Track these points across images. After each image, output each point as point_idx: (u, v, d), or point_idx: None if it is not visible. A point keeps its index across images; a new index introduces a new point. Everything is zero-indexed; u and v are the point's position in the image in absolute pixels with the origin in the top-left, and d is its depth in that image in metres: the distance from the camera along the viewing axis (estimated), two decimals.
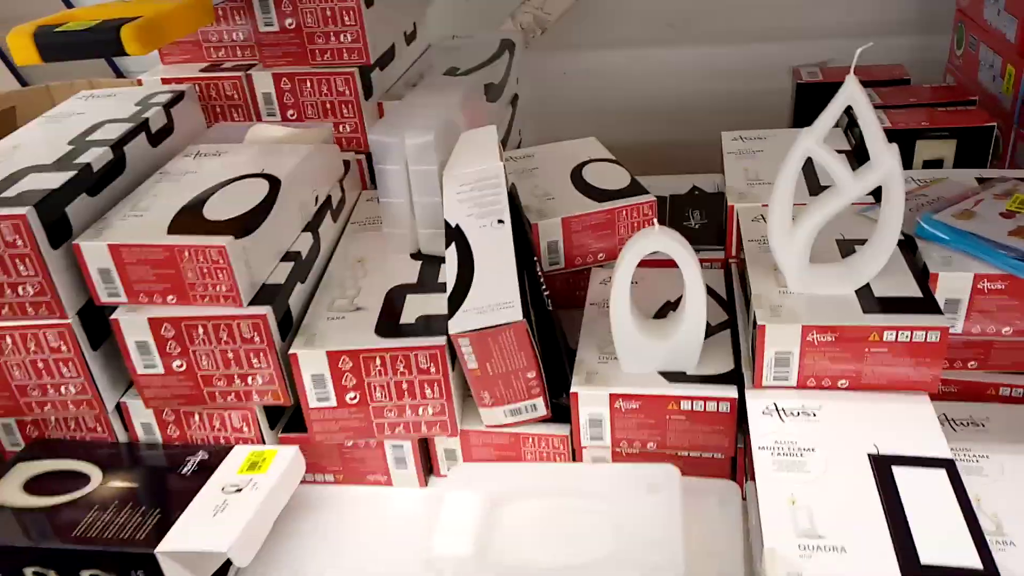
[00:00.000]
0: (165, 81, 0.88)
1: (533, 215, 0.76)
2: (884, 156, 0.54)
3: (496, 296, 0.61)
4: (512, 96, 1.08)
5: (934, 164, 0.82)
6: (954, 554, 0.47)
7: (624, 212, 0.76)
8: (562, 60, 1.25)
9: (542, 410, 0.65)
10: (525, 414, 0.65)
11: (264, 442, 0.69)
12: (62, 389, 0.66)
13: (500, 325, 0.59)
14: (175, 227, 0.63)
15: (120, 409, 0.69)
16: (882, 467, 0.52)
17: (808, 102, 0.98)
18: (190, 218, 0.64)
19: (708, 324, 0.67)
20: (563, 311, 0.76)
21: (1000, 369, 0.66)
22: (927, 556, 0.47)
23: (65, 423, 0.70)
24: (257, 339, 0.63)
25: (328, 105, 0.87)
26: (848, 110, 0.56)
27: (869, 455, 0.53)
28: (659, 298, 0.71)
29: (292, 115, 0.88)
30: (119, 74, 1.42)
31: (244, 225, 0.63)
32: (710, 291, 0.72)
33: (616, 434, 0.64)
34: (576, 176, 0.82)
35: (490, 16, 1.23)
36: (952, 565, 0.46)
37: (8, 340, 0.64)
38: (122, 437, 0.71)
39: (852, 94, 0.54)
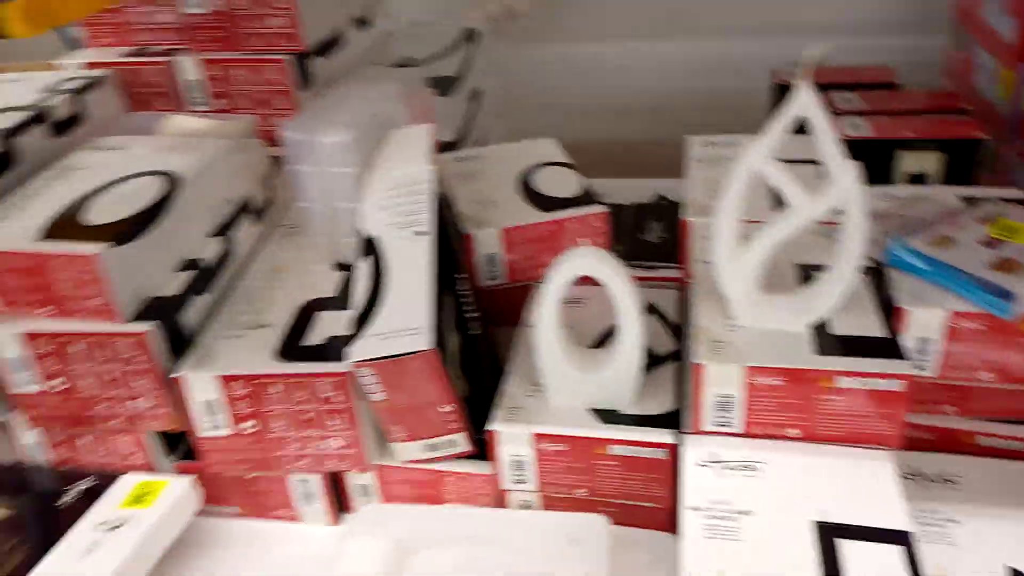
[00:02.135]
0: (92, 65, 0.81)
1: (470, 224, 0.69)
2: (840, 175, 0.47)
3: (405, 320, 0.54)
4: (472, 90, 1.01)
5: (917, 179, 0.75)
6: None
7: (572, 224, 0.69)
8: (533, 53, 1.18)
9: (463, 446, 0.58)
10: (443, 450, 0.58)
11: (157, 470, 0.62)
12: None
13: (406, 354, 0.52)
14: (51, 231, 0.56)
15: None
16: (827, 539, 0.45)
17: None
18: (68, 221, 0.57)
19: (653, 354, 0.60)
20: (506, 329, 0.69)
21: (980, 415, 0.59)
22: None
23: None
24: (139, 359, 0.56)
25: (260, 96, 0.80)
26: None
27: (814, 523, 0.46)
28: (604, 321, 0.64)
29: (223, 105, 0.81)
30: None
31: (128, 230, 0.56)
32: (660, 316, 0.65)
33: (543, 477, 0.57)
34: (524, 182, 0.75)
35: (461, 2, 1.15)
36: None
37: None
38: (10, 456, 0.64)
39: (805, 104, 0.46)
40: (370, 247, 0.59)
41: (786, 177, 0.48)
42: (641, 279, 0.72)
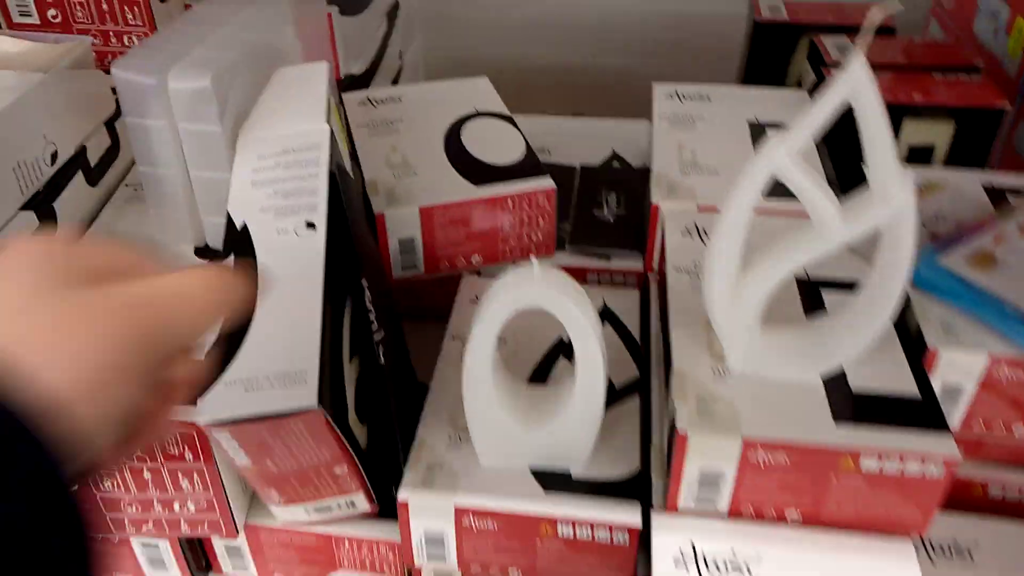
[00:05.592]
0: None
1: (380, 200, 0.53)
2: (893, 190, 0.33)
3: (283, 359, 0.38)
4: (389, 6, 0.82)
5: (922, 153, 0.62)
6: None
7: (511, 202, 0.54)
8: None
9: (364, 506, 0.45)
10: (338, 511, 0.45)
11: None
12: None
13: (282, 415, 0.37)
14: None
15: None
16: None
17: (765, 48, 0.76)
18: None
19: (611, 387, 0.47)
20: (429, 325, 0.55)
21: (993, 461, 0.49)
22: None
23: None
24: None
25: (106, 7, 0.60)
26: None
27: None
28: (549, 334, 0.51)
29: (55, 18, 0.61)
30: None
31: None
32: (620, 331, 0.52)
33: (465, 555, 0.44)
34: (452, 139, 0.59)
35: None
36: None
37: None
38: None
39: (858, 87, 0.32)
40: (239, 241, 0.43)
41: (815, 185, 0.34)
42: (593, 270, 0.59)
